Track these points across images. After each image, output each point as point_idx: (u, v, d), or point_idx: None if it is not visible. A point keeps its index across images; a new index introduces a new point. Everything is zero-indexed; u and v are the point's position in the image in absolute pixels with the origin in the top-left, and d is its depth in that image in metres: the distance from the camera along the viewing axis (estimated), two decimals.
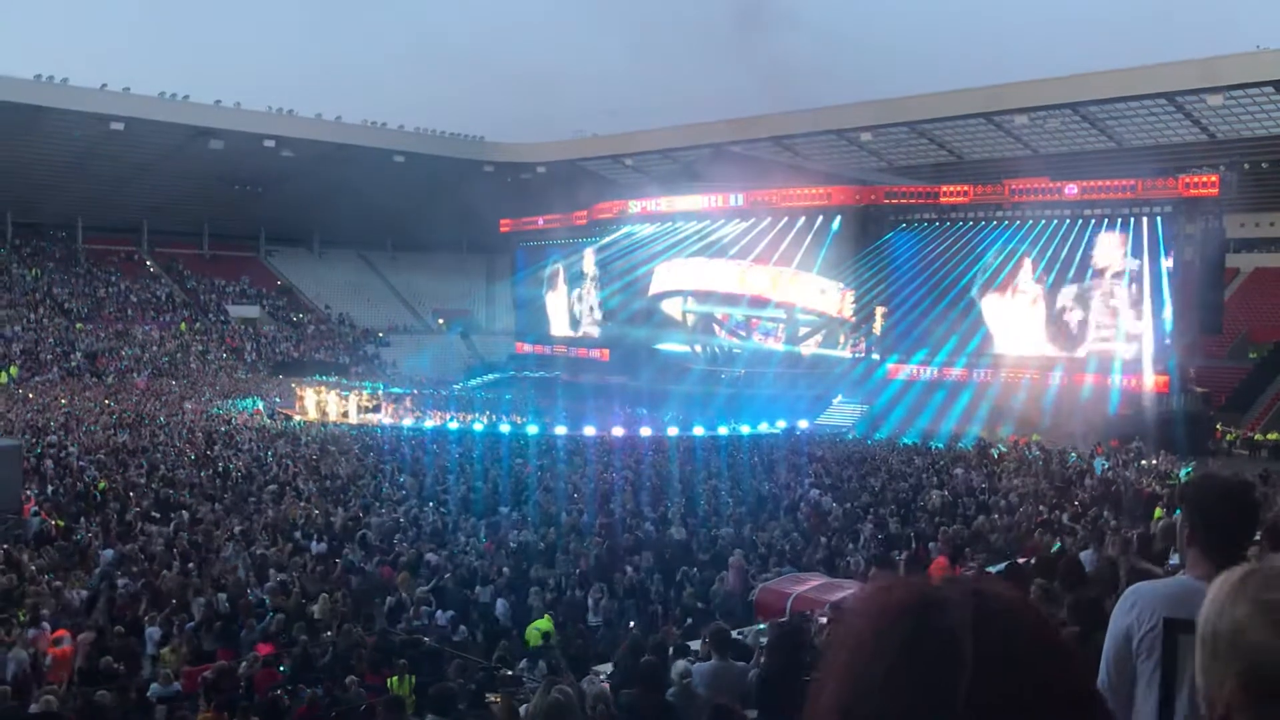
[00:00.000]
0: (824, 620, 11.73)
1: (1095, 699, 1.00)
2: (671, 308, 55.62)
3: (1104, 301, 40.50)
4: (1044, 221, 41.41)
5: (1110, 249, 39.99)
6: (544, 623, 13.68)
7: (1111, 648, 2.72)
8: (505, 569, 16.59)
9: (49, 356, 55.25)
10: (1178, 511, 4.27)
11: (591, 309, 59.96)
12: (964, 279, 43.26)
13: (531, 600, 15.17)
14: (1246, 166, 46.50)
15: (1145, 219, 39.35)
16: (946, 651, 0.93)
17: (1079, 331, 40.81)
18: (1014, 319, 42.68)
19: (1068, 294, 41.13)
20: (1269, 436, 38.73)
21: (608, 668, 10.89)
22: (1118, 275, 39.98)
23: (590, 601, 15.11)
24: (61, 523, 20.20)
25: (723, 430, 39.33)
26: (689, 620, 14.39)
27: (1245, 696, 1.06)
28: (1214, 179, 39.14)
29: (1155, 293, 39.12)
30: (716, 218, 52.10)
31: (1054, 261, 41.02)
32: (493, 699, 7.63)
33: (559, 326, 62.84)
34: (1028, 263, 41.86)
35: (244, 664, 11.54)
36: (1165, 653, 2.59)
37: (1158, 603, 2.67)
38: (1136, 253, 39.37)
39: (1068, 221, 40.93)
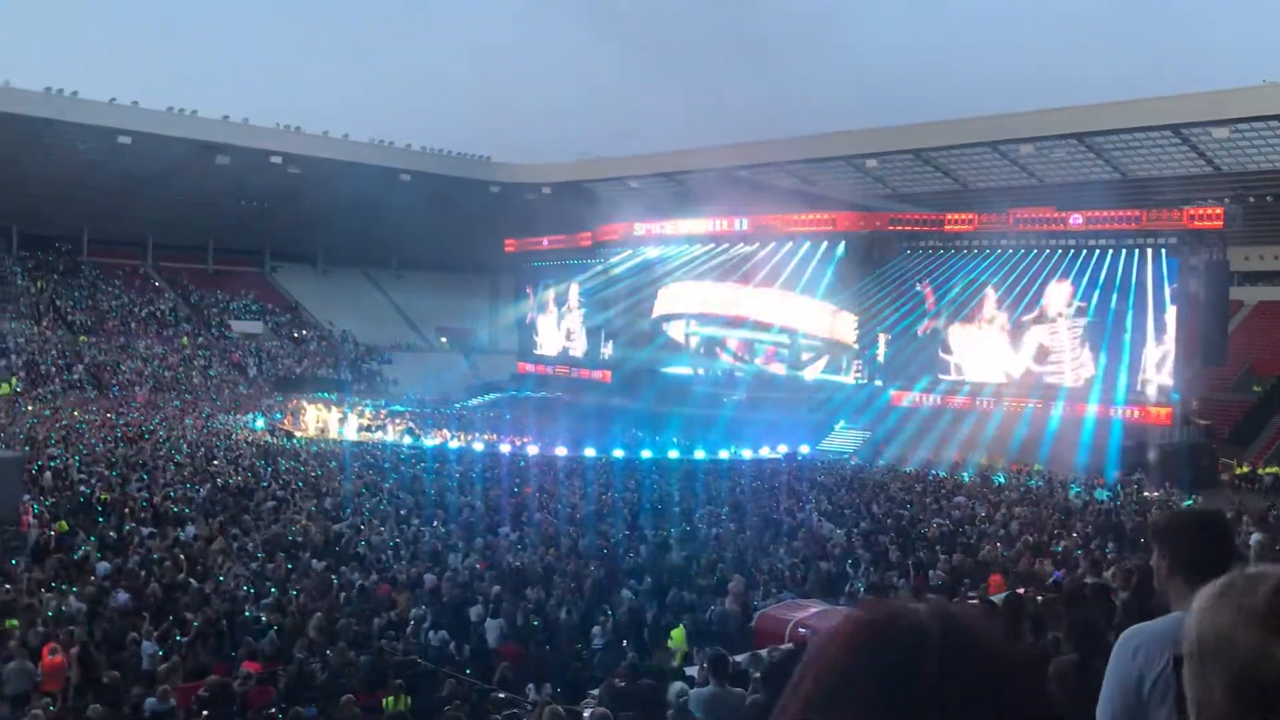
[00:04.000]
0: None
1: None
2: (675, 330, 55.66)
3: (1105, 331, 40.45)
4: (1047, 251, 41.43)
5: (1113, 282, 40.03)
6: (678, 634, 13.81)
7: (1120, 697, 2.55)
8: (498, 590, 16.52)
9: (51, 369, 55.26)
10: None
11: (594, 331, 60.01)
12: (967, 307, 43.40)
13: (519, 622, 15.11)
14: (1251, 199, 46.54)
15: (1150, 250, 39.36)
16: (910, 662, 0.94)
17: (1077, 359, 40.78)
18: (1006, 348, 42.80)
19: (1067, 325, 41.19)
20: (1270, 470, 38.57)
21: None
22: (1122, 306, 39.93)
23: (590, 624, 15.04)
24: (65, 525, 20.22)
25: (724, 454, 39.24)
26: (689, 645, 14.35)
27: (1233, 704, 1.06)
28: (1218, 211, 39.15)
29: (1159, 325, 39.10)
30: (721, 241, 52.24)
31: (1057, 292, 41.07)
32: None
33: (552, 347, 62.99)
34: (1031, 293, 41.85)
35: (238, 681, 11.46)
36: (1180, 693, 2.47)
37: (1165, 643, 2.50)
38: (1141, 283, 39.34)
39: (1071, 252, 40.95)
